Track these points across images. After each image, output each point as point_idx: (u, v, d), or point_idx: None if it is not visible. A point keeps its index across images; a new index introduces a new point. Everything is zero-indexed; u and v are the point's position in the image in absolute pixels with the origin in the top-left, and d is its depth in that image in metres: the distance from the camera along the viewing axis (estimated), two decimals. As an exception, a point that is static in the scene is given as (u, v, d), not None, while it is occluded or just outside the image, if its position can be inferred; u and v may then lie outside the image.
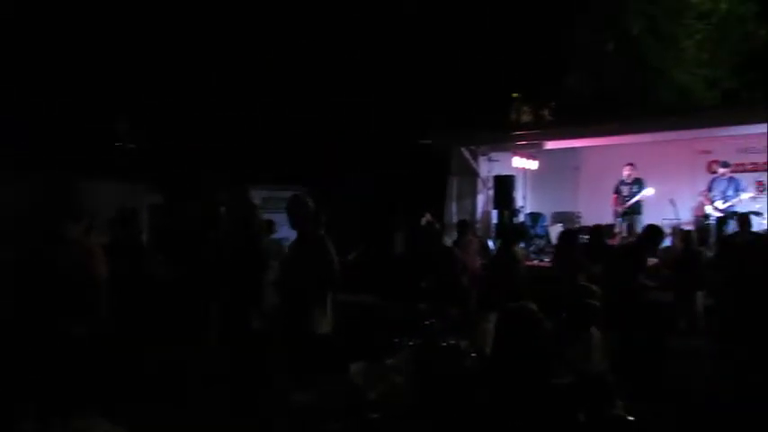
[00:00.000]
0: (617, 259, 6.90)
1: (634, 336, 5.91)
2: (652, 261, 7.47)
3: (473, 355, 4.47)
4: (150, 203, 11.62)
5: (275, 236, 9.29)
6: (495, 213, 12.06)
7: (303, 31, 17.34)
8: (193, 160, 15.30)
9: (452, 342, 4.55)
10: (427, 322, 5.23)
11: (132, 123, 14.67)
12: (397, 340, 4.80)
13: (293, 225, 4.95)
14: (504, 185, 11.39)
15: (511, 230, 9.59)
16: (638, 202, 10.55)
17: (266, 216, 10.22)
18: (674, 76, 15.04)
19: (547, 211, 12.42)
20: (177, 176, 13.70)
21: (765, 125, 9.69)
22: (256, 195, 13.14)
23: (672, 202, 10.35)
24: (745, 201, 9.72)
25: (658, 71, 15.18)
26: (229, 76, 16.88)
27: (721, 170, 10.11)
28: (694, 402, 5.03)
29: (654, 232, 6.75)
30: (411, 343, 4.65)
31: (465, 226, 9.39)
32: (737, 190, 9.79)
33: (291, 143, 16.55)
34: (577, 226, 11.10)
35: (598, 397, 3.25)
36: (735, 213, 9.66)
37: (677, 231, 9.57)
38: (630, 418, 3.48)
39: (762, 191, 10.43)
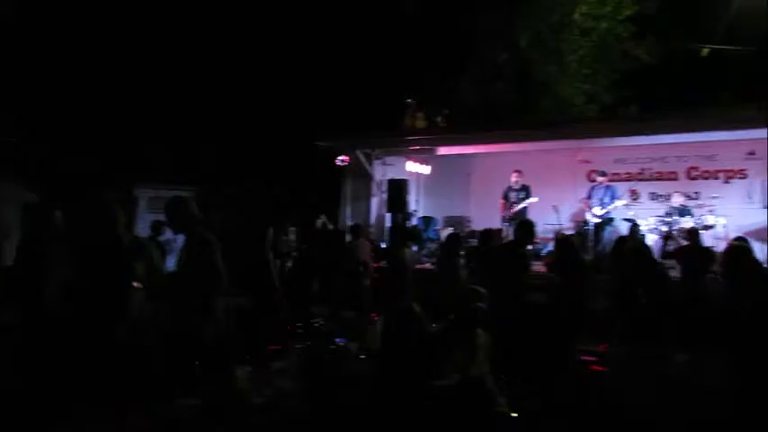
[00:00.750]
0: (499, 260, 7.01)
1: (520, 336, 6.08)
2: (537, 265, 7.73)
3: (361, 356, 4.45)
4: (25, 202, 10.72)
5: (163, 237, 8.88)
6: (388, 217, 12.16)
7: (202, 30, 16.78)
8: (79, 158, 14.42)
9: (341, 344, 4.51)
10: (316, 324, 5.17)
11: (10, 116, 13.59)
12: (285, 343, 4.70)
13: (172, 228, 4.77)
14: (397, 189, 11.49)
15: (400, 233, 9.68)
16: (523, 208, 10.94)
17: (153, 217, 9.83)
18: (558, 88, 15.81)
19: (439, 215, 12.68)
20: (58, 174, 12.86)
21: (642, 138, 10.44)
22: (142, 195, 12.63)
23: (555, 208, 10.85)
24: (619, 207, 10.34)
25: (544, 83, 15.91)
26: (122, 73, 16.03)
27: (599, 179, 10.69)
28: (582, 401, 5.22)
29: (527, 226, 6.94)
30: (299, 346, 4.57)
31: (358, 229, 9.44)
32: (613, 197, 10.39)
33: (184, 143, 15.97)
34: (467, 230, 11.43)
35: (481, 396, 3.31)
36: (611, 219, 10.29)
37: (559, 236, 10.04)
38: (514, 414, 3.58)
39: (635, 199, 11.19)
